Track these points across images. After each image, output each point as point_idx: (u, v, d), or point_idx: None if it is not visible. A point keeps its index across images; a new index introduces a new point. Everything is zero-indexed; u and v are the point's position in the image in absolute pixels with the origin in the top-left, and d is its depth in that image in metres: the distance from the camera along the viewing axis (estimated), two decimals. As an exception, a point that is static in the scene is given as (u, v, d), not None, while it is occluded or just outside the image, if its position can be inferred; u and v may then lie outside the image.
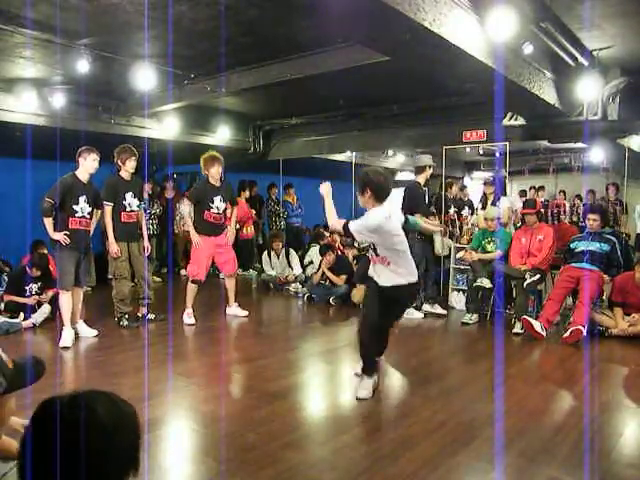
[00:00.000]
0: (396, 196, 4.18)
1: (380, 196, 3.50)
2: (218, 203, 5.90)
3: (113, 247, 5.48)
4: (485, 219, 6.35)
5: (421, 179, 6.36)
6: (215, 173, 5.86)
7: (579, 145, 9.92)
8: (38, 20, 4.85)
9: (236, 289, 6.28)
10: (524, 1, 4.39)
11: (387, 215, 3.48)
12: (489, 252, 6.18)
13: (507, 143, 8.83)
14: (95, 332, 5.28)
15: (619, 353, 4.91)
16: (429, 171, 6.38)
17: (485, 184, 7.17)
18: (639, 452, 2.95)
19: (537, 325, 5.19)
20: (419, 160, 6.57)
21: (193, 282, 5.93)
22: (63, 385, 3.83)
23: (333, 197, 3.62)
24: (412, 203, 6.10)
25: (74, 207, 5.07)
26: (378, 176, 3.53)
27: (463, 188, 10.68)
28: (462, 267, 6.75)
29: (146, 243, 5.80)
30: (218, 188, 5.93)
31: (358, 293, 6.77)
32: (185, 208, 6.13)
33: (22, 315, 5.63)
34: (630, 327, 5.18)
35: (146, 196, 7.62)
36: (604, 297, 5.78)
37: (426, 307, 6.46)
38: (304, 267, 8.48)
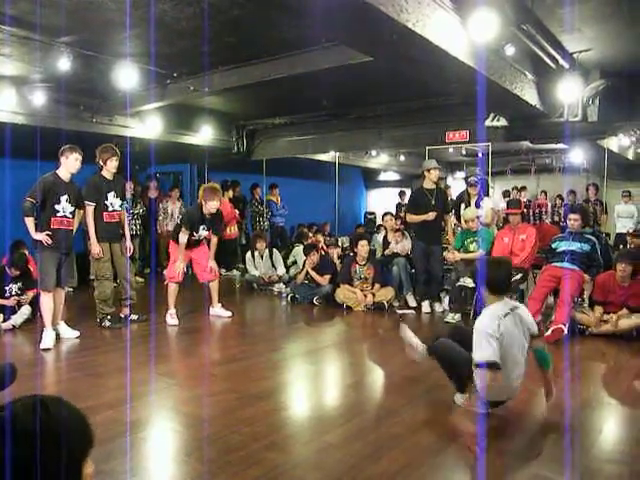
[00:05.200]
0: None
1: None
2: (202, 232, 5.93)
3: (95, 248, 5.41)
4: (465, 220, 6.39)
5: (425, 183, 6.60)
6: (212, 207, 5.81)
7: (560, 146, 10.07)
8: (17, 16, 4.78)
9: (219, 290, 6.25)
10: (506, 3, 4.44)
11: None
12: (472, 252, 6.23)
13: (489, 144, 8.90)
14: (77, 333, 5.21)
15: (599, 351, 4.98)
16: (430, 174, 6.52)
17: (470, 185, 7.20)
18: (618, 447, 3.00)
19: (519, 324, 5.22)
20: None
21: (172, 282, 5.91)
22: (44, 388, 3.77)
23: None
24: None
25: (56, 206, 4.98)
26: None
27: (447, 188, 10.74)
28: (445, 267, 6.79)
29: (128, 243, 5.74)
30: (209, 220, 5.92)
31: (341, 293, 6.79)
32: (183, 237, 5.89)
33: (1, 317, 5.52)
34: (603, 325, 5.23)
35: (129, 196, 7.53)
36: (584, 296, 5.86)
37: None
38: (288, 267, 8.48)
